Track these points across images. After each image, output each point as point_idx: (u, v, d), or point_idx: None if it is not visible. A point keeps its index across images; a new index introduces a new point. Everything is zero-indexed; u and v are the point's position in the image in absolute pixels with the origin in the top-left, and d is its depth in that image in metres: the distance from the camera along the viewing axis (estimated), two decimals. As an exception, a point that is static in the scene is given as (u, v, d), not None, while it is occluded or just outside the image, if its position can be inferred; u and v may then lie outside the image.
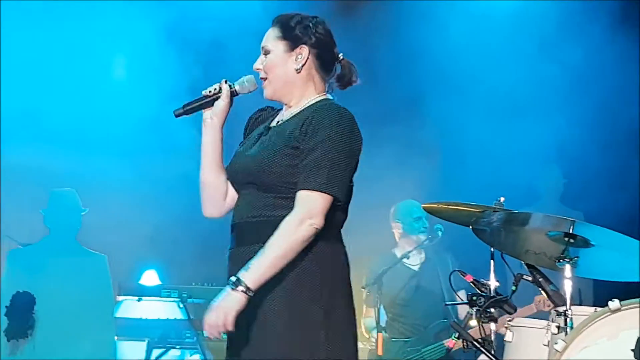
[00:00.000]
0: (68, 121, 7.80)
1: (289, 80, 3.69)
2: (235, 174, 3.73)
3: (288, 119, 3.69)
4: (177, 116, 3.78)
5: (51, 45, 7.97)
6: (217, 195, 3.77)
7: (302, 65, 3.68)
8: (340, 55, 3.78)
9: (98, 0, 8.04)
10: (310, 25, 3.70)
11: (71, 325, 6.74)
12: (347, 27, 7.96)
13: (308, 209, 3.45)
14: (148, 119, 7.75)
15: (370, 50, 8.13)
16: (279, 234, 3.43)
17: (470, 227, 4.68)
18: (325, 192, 3.47)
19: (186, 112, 3.77)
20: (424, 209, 4.91)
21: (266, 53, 3.72)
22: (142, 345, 7.01)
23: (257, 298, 3.44)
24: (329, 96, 3.76)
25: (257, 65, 3.74)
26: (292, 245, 3.42)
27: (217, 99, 3.76)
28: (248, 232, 3.59)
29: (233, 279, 3.41)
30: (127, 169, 7.95)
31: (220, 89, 3.77)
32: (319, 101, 3.68)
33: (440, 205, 4.78)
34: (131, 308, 7.15)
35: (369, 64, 8.13)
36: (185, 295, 6.87)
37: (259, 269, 3.40)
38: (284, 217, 3.47)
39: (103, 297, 6.91)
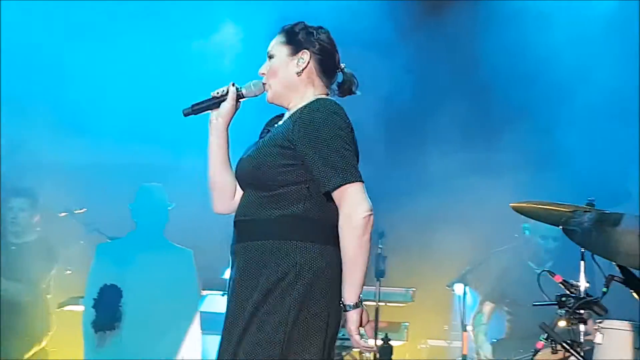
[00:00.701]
0: (156, 117, 7.89)
1: (290, 83, 3.78)
2: (238, 175, 3.82)
3: (284, 120, 3.78)
4: (185, 115, 3.86)
5: (153, 40, 8.08)
6: (225, 193, 3.87)
7: (303, 69, 3.77)
8: (342, 65, 3.85)
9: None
10: (314, 32, 3.80)
11: (157, 318, 6.79)
12: (436, 28, 7.95)
13: (348, 204, 3.49)
14: (240, 115, 7.82)
15: (474, 53, 8.11)
16: (342, 243, 3.50)
17: (561, 227, 4.62)
18: (348, 183, 3.51)
19: (194, 112, 3.85)
20: (513, 208, 4.85)
21: (270, 57, 3.83)
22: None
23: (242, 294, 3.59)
24: (326, 97, 3.80)
25: (262, 69, 3.85)
26: (357, 244, 3.48)
27: (223, 100, 3.84)
28: (243, 230, 3.69)
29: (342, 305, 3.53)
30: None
31: (227, 91, 3.85)
32: (314, 100, 3.72)
33: (530, 205, 4.73)
34: (215, 302, 7.20)
35: (475, 67, 8.10)
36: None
37: (350, 285, 3.51)
38: (270, 215, 3.59)
39: (188, 291, 6.96)
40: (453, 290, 6.87)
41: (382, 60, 8.24)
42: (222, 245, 7.73)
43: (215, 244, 7.70)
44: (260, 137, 3.90)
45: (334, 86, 3.84)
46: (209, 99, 3.86)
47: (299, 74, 3.75)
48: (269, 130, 3.85)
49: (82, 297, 7.07)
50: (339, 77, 3.85)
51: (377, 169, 8.08)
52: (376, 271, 6.49)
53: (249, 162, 3.70)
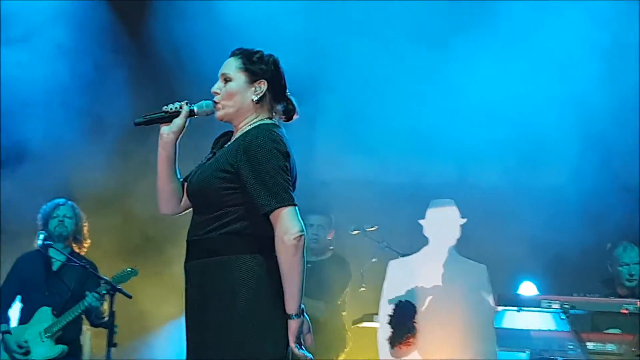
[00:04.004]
0: (442, 134, 7.93)
1: (245, 108, 4.12)
2: (188, 195, 4.20)
3: (231, 142, 4.13)
4: (136, 125, 4.17)
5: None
6: (170, 199, 4.26)
7: (260, 97, 4.11)
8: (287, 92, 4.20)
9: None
10: (269, 61, 4.15)
11: (452, 334, 6.78)
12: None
13: (281, 226, 3.87)
14: (519, 125, 7.80)
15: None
16: (279, 261, 3.89)
17: None
18: (281, 207, 3.87)
19: (146, 123, 4.17)
20: None
21: (226, 80, 4.15)
22: (523, 356, 6.93)
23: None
24: (269, 121, 4.12)
25: (215, 89, 4.17)
26: (290, 262, 3.87)
27: (176, 116, 4.16)
28: (193, 249, 4.09)
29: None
30: (502, 179, 7.98)
31: (180, 108, 4.17)
32: (257, 125, 4.07)
33: None
34: (511, 318, 7.10)
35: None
36: (566, 307, 6.71)
37: (288, 297, 3.94)
38: (214, 234, 3.98)
39: (483, 306, 6.90)
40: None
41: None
42: (516, 260, 7.73)
43: (509, 259, 7.69)
44: (211, 152, 4.25)
45: (280, 108, 4.18)
46: (161, 113, 4.15)
47: (255, 101, 4.10)
48: (222, 146, 4.20)
49: (376, 314, 7.15)
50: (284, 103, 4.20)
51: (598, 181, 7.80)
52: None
53: (197, 184, 4.08)
